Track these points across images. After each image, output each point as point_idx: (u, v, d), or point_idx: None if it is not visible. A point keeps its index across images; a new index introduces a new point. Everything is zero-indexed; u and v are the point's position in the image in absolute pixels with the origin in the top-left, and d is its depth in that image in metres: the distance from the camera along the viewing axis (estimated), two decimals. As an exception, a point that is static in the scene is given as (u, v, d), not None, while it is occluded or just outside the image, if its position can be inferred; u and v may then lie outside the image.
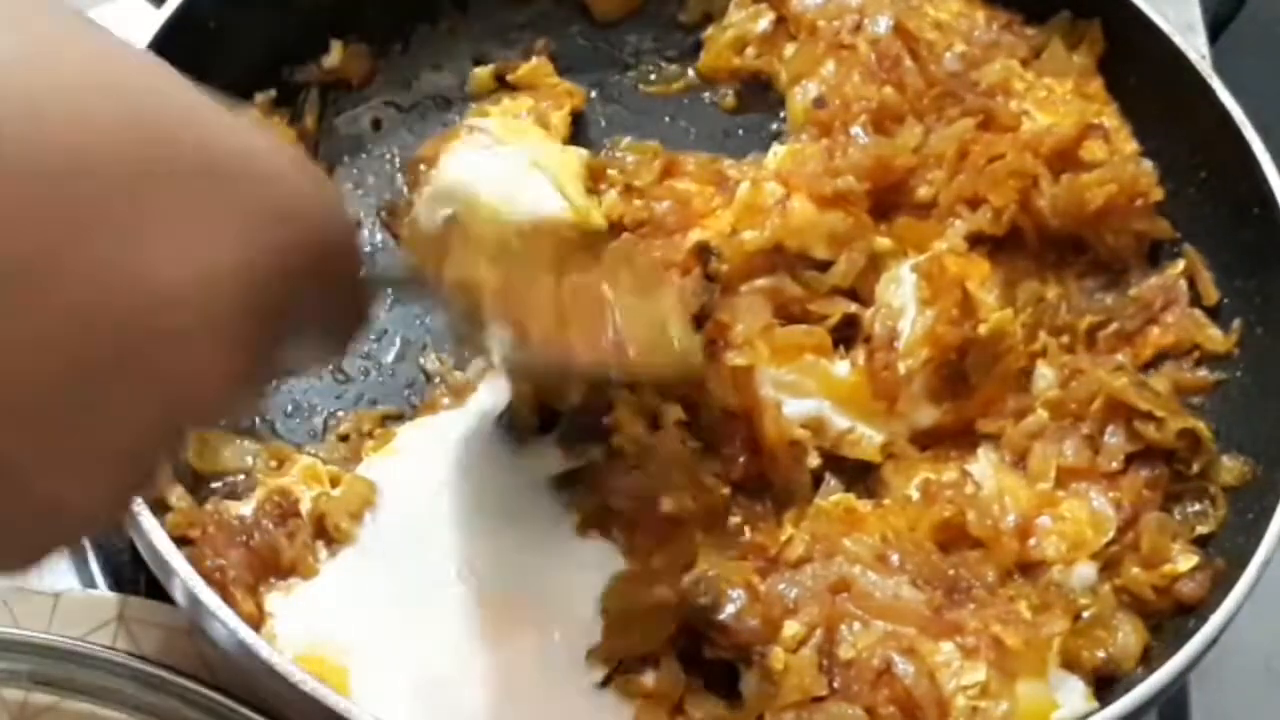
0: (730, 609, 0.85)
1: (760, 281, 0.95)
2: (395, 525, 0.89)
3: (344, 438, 0.95)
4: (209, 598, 0.78)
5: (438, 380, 0.98)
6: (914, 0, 1.08)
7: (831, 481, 0.93)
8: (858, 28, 1.06)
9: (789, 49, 1.09)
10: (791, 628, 0.85)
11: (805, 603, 0.86)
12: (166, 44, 0.93)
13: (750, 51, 1.11)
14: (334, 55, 1.06)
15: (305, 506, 0.88)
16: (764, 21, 1.11)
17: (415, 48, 1.10)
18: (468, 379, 0.97)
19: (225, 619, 0.77)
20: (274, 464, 0.92)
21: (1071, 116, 1.02)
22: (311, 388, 0.97)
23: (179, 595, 0.81)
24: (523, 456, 0.92)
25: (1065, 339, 0.98)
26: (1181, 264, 1.02)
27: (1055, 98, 1.04)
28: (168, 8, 0.95)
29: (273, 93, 1.03)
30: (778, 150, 1.02)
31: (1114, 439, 0.93)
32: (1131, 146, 1.04)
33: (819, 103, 1.04)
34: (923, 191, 0.99)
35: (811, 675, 0.83)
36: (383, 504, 0.89)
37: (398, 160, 1.07)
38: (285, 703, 0.78)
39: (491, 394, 0.95)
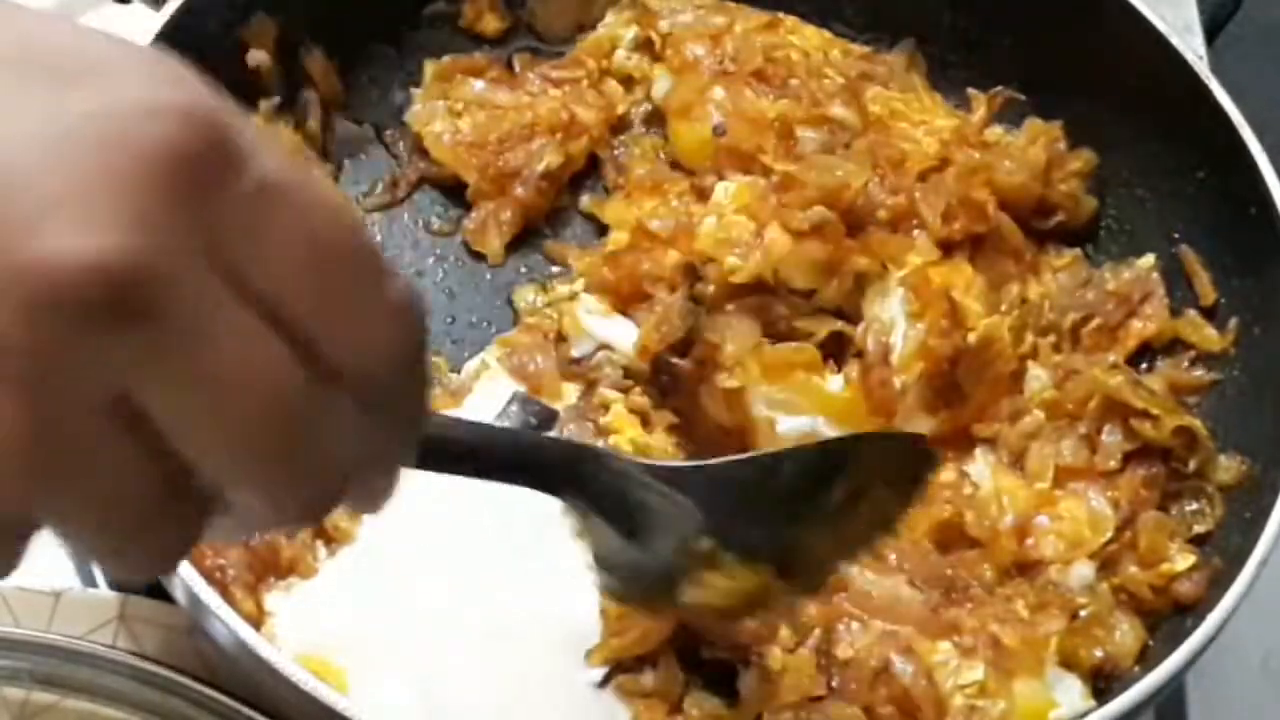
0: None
1: (746, 299, 0.95)
2: (394, 524, 0.88)
3: None
4: (209, 597, 0.78)
5: (435, 382, 0.98)
6: (779, 30, 1.09)
7: (827, 482, 0.93)
8: (734, 57, 1.06)
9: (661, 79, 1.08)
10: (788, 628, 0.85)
11: (803, 602, 0.86)
12: (165, 46, 0.93)
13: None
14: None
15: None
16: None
17: (377, 66, 1.10)
18: (463, 381, 0.97)
19: (226, 618, 0.77)
20: None
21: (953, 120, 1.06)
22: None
23: (180, 594, 0.81)
24: None
25: (1052, 338, 0.99)
26: (1152, 258, 1.03)
27: (927, 111, 1.06)
28: (167, 9, 0.95)
29: (276, 100, 1.03)
30: (729, 188, 1.00)
31: (1111, 438, 0.94)
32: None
33: (718, 130, 1.02)
34: (882, 213, 0.99)
35: (809, 675, 0.84)
36: (377, 521, 0.88)
37: (400, 165, 1.07)
38: (286, 702, 0.78)
39: (488, 394, 0.95)
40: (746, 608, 0.73)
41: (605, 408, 0.93)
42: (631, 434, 0.91)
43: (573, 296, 0.99)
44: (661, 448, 0.90)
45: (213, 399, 0.39)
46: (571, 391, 0.95)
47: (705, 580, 0.70)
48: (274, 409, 0.40)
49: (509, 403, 0.93)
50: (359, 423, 0.43)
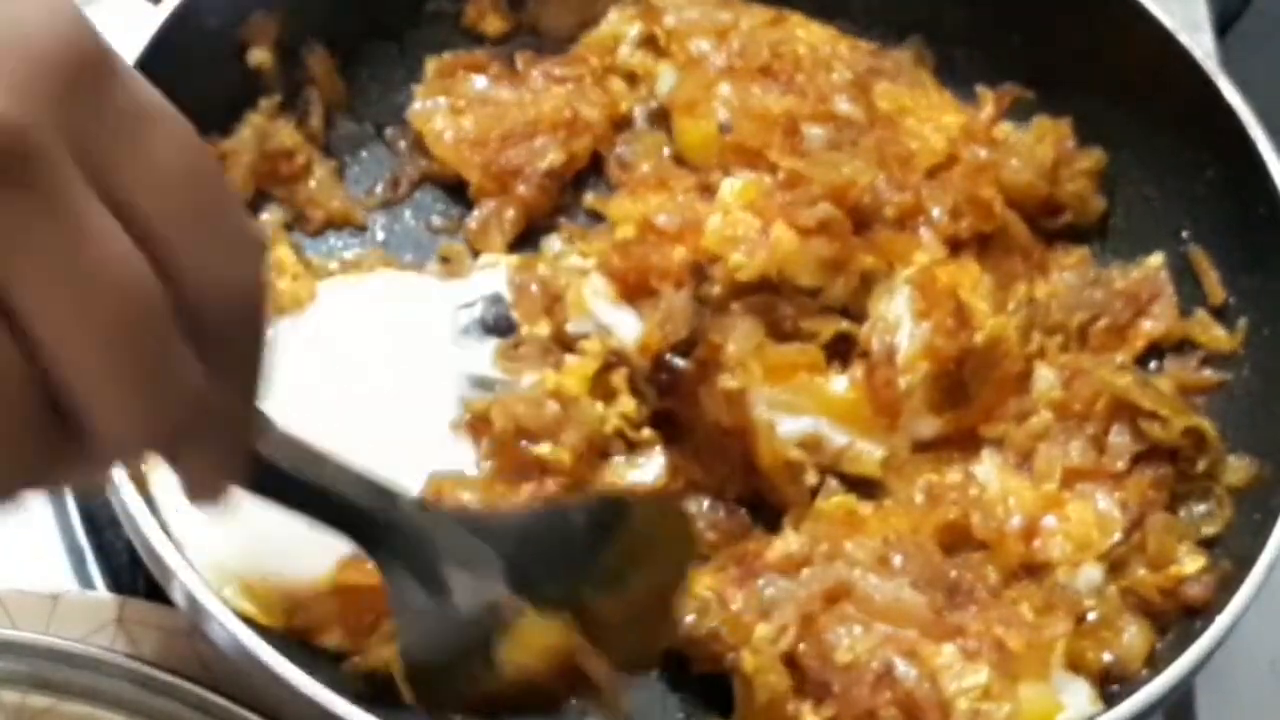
0: (691, 619, 0.85)
1: (751, 298, 0.95)
2: (305, 339, 0.90)
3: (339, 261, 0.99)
4: (209, 600, 0.78)
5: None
6: (785, 26, 1.08)
7: (832, 483, 0.93)
8: (740, 53, 1.06)
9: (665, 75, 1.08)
10: (763, 629, 0.84)
11: (780, 604, 0.85)
12: (164, 43, 0.93)
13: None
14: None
15: None
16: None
17: (378, 64, 1.09)
18: (470, 264, 0.99)
19: (225, 621, 0.77)
20: None
21: (961, 117, 1.05)
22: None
23: (178, 597, 0.80)
24: (461, 346, 0.94)
25: (1060, 338, 0.99)
26: (1160, 257, 1.03)
27: (935, 107, 1.06)
28: (165, 6, 0.94)
29: (277, 98, 1.03)
30: (734, 185, 0.99)
31: (1119, 438, 0.93)
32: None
33: (724, 127, 1.02)
34: (889, 211, 0.98)
35: (777, 672, 0.83)
36: (310, 316, 0.92)
37: (401, 163, 1.06)
38: (284, 705, 0.78)
39: (481, 285, 0.96)
40: (563, 667, 0.72)
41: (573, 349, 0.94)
42: (577, 377, 0.92)
43: (583, 272, 0.98)
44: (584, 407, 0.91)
45: (76, 286, 0.41)
46: (546, 325, 0.95)
47: (518, 637, 0.70)
48: (133, 310, 0.42)
49: (484, 297, 0.95)
50: (200, 367, 0.44)
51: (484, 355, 0.94)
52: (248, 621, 0.78)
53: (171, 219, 0.43)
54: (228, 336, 0.46)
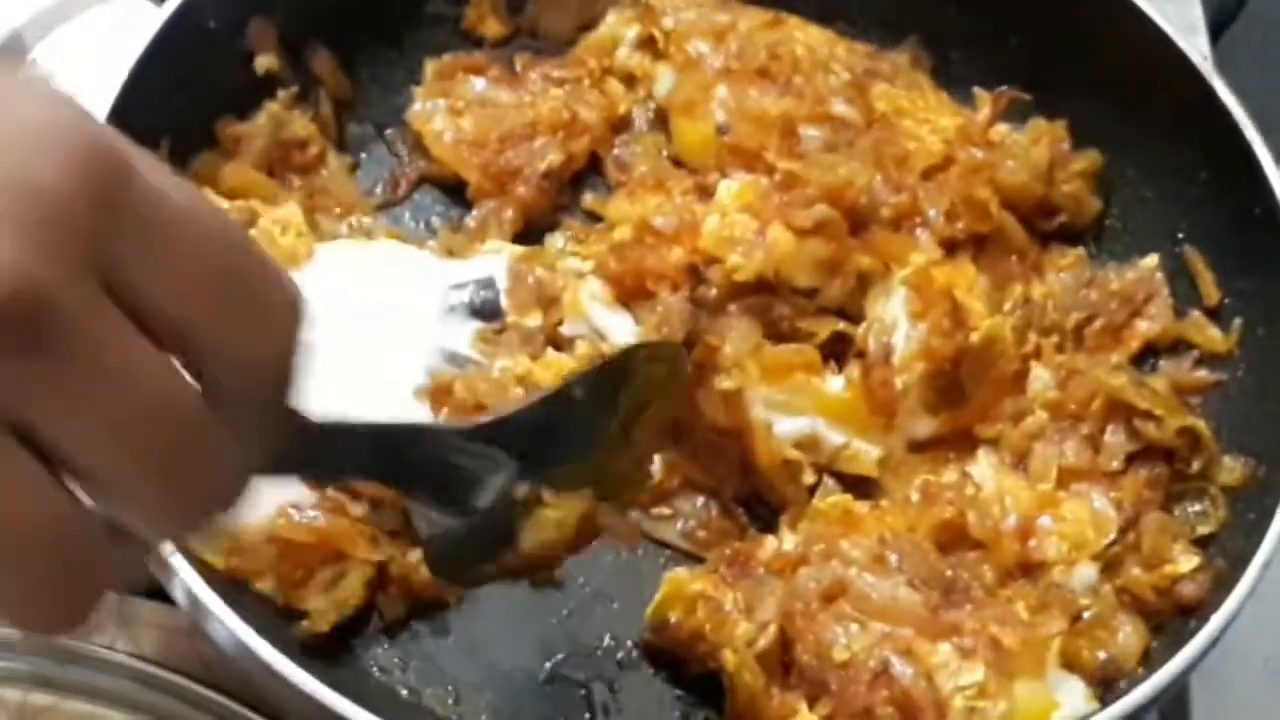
0: (673, 618, 0.86)
1: (748, 299, 0.95)
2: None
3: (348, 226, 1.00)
4: (209, 598, 0.78)
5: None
6: (783, 28, 1.09)
7: (829, 483, 0.93)
8: (738, 55, 1.06)
9: (664, 76, 1.09)
10: (743, 628, 0.85)
11: (763, 601, 0.86)
12: (167, 43, 0.93)
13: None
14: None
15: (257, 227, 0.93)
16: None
17: (379, 65, 1.10)
18: (475, 247, 1.00)
19: (225, 619, 0.77)
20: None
21: (958, 119, 1.05)
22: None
23: (179, 595, 0.80)
24: (445, 323, 0.95)
25: (1055, 338, 0.99)
26: (1156, 258, 1.03)
27: (932, 109, 1.06)
28: (168, 7, 0.95)
29: (295, 89, 1.03)
30: (732, 186, 0.99)
31: (1114, 438, 0.93)
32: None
33: (722, 129, 1.02)
34: (885, 212, 0.99)
35: (752, 671, 0.83)
36: (304, 273, 0.93)
37: (400, 163, 1.07)
38: (285, 703, 0.78)
39: (480, 267, 0.97)
40: (583, 534, 0.77)
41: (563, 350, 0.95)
42: (552, 371, 0.92)
43: (580, 275, 0.98)
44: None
45: (107, 430, 0.40)
46: (535, 317, 0.96)
47: (537, 521, 0.74)
48: (169, 430, 0.41)
49: (476, 280, 0.96)
50: (233, 444, 0.44)
51: (464, 335, 0.95)
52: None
53: (200, 319, 0.42)
54: (259, 399, 0.45)
